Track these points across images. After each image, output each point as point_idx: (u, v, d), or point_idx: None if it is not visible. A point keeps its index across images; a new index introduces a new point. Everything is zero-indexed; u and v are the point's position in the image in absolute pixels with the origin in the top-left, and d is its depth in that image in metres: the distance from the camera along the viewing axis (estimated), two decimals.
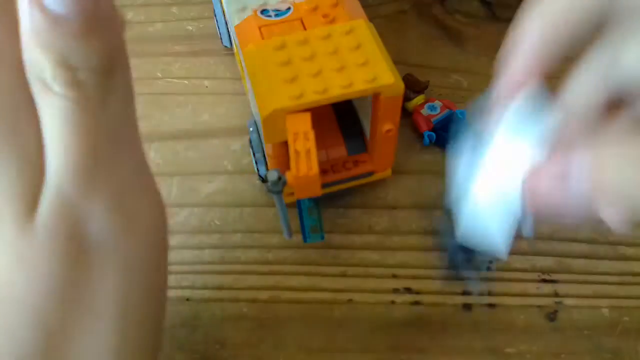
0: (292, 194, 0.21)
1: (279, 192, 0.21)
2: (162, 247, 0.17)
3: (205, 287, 0.26)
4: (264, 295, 0.26)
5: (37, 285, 0.15)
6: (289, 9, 0.25)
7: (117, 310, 0.16)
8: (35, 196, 0.15)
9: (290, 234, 0.24)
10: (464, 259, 0.24)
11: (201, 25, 0.36)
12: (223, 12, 0.27)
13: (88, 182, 0.15)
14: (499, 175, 0.18)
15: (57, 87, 0.14)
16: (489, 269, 0.24)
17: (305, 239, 0.24)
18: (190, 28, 0.36)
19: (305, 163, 0.20)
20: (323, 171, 0.21)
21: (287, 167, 0.21)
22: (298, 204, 0.22)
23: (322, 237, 0.24)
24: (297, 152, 0.21)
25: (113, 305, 0.16)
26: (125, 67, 0.15)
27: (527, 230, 0.19)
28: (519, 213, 0.18)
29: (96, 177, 0.15)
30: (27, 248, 0.15)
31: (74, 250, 0.15)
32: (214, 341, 0.25)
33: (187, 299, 0.26)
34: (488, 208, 0.19)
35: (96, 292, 0.16)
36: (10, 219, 0.14)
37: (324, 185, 0.22)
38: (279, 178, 0.21)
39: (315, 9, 0.25)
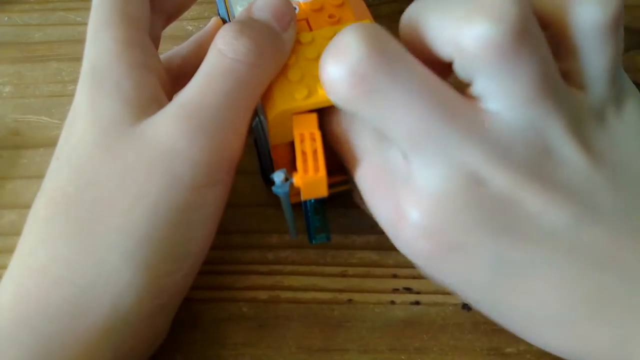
0: (298, 193, 0.21)
1: (286, 193, 0.21)
2: None
3: (205, 287, 0.26)
4: (263, 295, 0.26)
5: None
6: (294, 9, 0.25)
7: None
8: None
9: (296, 233, 0.24)
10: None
11: (201, 25, 0.35)
12: (228, 13, 0.27)
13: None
14: None
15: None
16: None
17: (311, 240, 0.24)
18: (190, 28, 0.36)
19: (312, 164, 0.20)
20: (329, 171, 0.21)
21: (293, 168, 0.21)
22: (304, 205, 0.22)
23: (329, 238, 0.24)
24: (304, 153, 0.21)
25: None
26: None
27: None
28: None
29: None
30: None
31: None
32: (214, 341, 0.25)
33: (187, 299, 0.26)
34: None
35: None
36: None
37: (331, 186, 0.22)
38: (286, 179, 0.21)
39: (320, 9, 0.25)
